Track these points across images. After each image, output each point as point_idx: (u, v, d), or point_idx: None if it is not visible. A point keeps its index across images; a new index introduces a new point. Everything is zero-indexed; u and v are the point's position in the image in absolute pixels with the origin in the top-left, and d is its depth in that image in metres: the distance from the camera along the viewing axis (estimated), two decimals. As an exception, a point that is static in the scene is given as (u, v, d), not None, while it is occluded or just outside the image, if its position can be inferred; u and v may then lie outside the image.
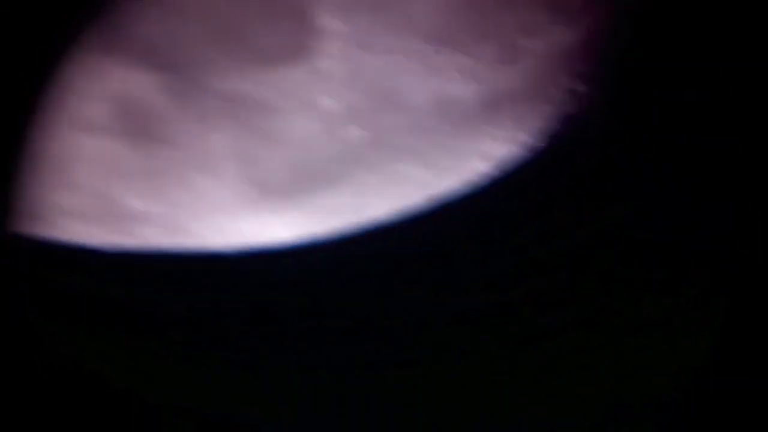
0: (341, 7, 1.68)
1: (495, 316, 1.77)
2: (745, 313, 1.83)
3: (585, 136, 1.78)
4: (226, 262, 1.68)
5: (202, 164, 1.70)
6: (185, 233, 1.70)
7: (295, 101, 1.70)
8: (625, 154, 1.80)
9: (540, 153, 1.75)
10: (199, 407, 1.73)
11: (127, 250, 1.68)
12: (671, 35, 1.77)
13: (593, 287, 1.79)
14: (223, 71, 1.69)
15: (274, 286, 1.70)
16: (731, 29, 1.78)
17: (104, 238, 1.68)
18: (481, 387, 1.77)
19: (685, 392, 1.84)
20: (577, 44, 1.74)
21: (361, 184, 1.73)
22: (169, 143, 1.69)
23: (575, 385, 1.80)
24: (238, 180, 1.71)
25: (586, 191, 1.80)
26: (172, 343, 1.69)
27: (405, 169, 1.74)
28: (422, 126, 1.73)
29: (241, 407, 1.73)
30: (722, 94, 1.79)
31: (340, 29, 1.69)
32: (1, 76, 1.64)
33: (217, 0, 1.67)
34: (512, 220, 1.77)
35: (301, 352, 1.71)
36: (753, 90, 1.79)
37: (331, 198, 1.73)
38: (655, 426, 1.85)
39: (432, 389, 1.75)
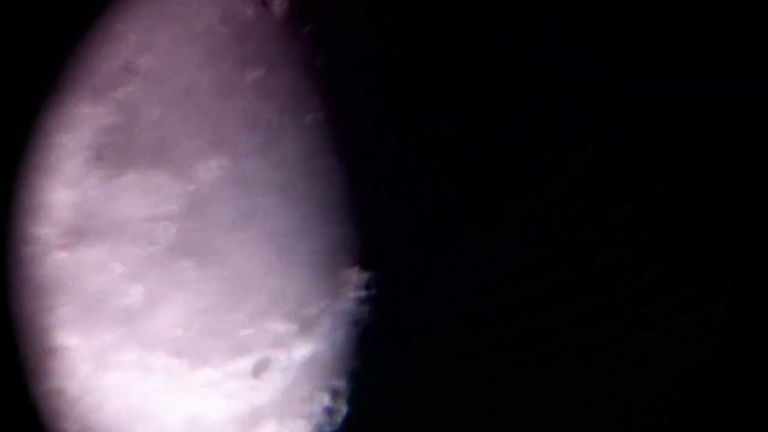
0: (80, 322, 1.59)
1: (496, 316, 1.76)
2: (745, 313, 1.80)
3: None
4: None
5: None
6: None
7: None
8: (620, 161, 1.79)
9: None
10: None
11: None
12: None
13: (593, 287, 1.78)
14: None
15: None
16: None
17: None
18: (481, 387, 1.76)
19: (685, 392, 1.81)
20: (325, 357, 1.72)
21: None
22: None
23: (575, 385, 1.80)
24: None
25: None
26: None
27: None
28: None
29: None
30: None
31: (79, 346, 1.59)
32: None
33: None
34: None
35: None
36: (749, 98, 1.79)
37: None
38: (655, 426, 1.85)
39: (433, 389, 1.73)
